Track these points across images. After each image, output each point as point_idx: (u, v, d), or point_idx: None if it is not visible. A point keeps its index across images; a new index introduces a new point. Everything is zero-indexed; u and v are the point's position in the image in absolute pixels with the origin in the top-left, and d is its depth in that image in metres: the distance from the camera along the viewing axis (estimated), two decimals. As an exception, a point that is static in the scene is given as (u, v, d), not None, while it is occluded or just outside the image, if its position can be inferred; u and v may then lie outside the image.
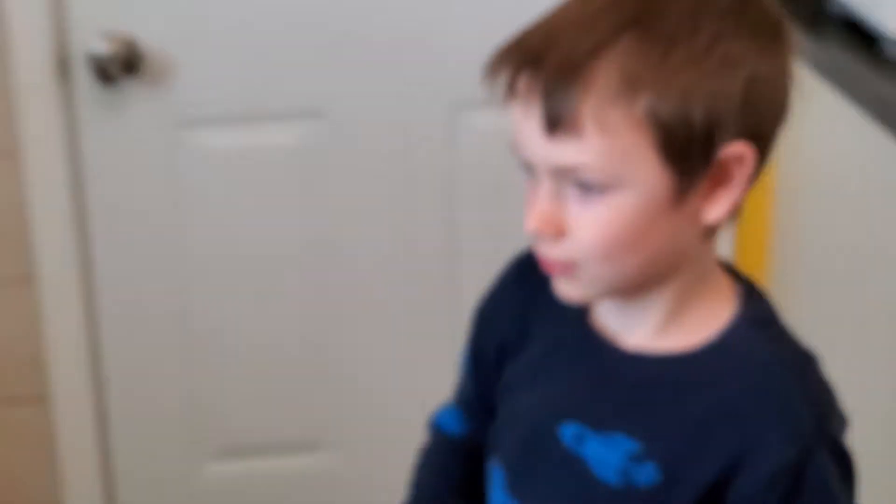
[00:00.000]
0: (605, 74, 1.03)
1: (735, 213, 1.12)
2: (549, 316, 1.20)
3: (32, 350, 2.29)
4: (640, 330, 1.16)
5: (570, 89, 1.03)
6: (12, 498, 2.38)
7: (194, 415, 2.37)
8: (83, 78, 2.14)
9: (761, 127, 1.09)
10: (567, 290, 1.13)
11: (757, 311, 1.15)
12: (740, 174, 1.08)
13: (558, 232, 1.09)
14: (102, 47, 2.11)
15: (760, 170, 1.11)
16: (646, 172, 1.06)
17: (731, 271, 1.19)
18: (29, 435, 2.35)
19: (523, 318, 1.23)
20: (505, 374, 1.25)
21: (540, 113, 1.05)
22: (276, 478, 2.43)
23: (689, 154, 1.06)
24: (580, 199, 1.07)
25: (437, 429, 1.38)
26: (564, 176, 1.07)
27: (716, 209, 1.09)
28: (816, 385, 1.13)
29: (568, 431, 1.17)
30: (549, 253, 1.10)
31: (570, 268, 1.10)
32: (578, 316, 1.18)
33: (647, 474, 1.12)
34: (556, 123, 1.05)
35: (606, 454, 1.14)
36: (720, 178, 1.08)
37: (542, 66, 1.04)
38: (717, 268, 1.17)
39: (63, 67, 2.14)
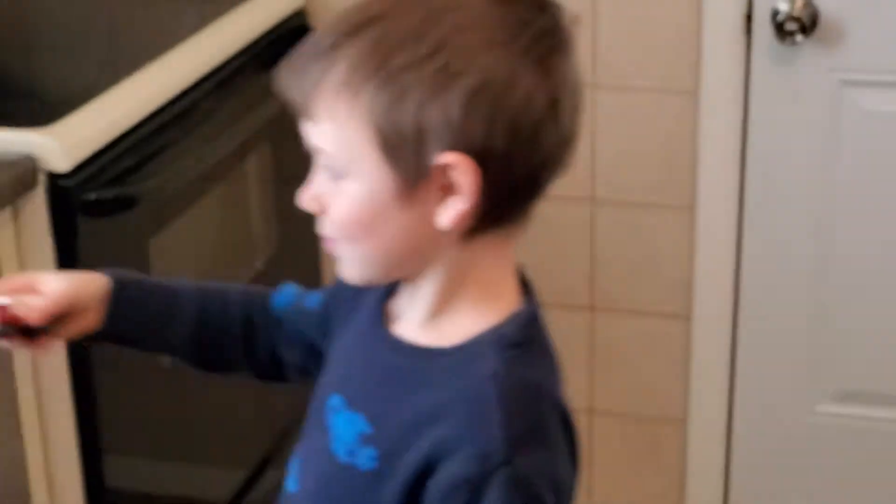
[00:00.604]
0: (337, 67, 1.07)
1: (499, 222, 1.11)
2: (367, 294, 1.22)
3: (684, 272, 2.57)
4: (410, 320, 1.17)
5: (310, 76, 1.08)
6: (646, 400, 2.69)
7: (817, 352, 2.53)
8: (764, 33, 2.38)
9: (488, 140, 1.06)
10: (340, 268, 1.16)
11: (510, 332, 1.13)
12: (465, 184, 1.07)
13: (321, 209, 1.13)
14: (785, 6, 2.34)
15: (512, 184, 1.09)
16: (369, 166, 1.08)
17: (527, 290, 1.18)
18: (670, 349, 2.63)
19: (356, 297, 1.24)
20: (332, 336, 1.28)
21: (294, 96, 1.11)
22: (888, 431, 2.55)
23: (403, 156, 1.07)
24: (331, 180, 1.11)
25: (269, 295, 1.37)
26: (319, 157, 1.12)
27: (445, 215, 1.09)
28: (526, 419, 1.10)
29: (331, 402, 1.19)
30: (320, 229, 1.15)
31: (332, 245, 1.14)
32: (378, 300, 1.21)
33: (367, 458, 1.14)
34: (301, 106, 1.11)
35: (345, 431, 1.16)
36: (446, 186, 1.08)
37: (299, 52, 1.11)
38: (499, 275, 1.16)
39: (748, 22, 2.39)
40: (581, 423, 2.65)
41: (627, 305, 2.61)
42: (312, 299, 1.33)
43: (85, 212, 1.89)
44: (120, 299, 1.32)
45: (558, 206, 2.56)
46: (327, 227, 1.13)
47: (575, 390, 2.64)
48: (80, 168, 1.87)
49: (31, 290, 1.30)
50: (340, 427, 1.17)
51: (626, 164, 2.52)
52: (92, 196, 1.89)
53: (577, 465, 1.16)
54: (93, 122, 1.94)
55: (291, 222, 2.63)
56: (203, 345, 1.34)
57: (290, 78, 1.11)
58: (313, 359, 1.30)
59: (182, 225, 2.19)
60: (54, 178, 1.85)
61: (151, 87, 2.07)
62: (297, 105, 1.11)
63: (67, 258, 1.88)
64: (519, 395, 1.11)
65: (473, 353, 1.12)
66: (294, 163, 2.61)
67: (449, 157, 1.06)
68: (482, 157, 1.07)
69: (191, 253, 2.25)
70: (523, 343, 1.14)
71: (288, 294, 1.35)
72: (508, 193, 1.10)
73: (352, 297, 1.24)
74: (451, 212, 1.08)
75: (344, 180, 1.10)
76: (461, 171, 1.07)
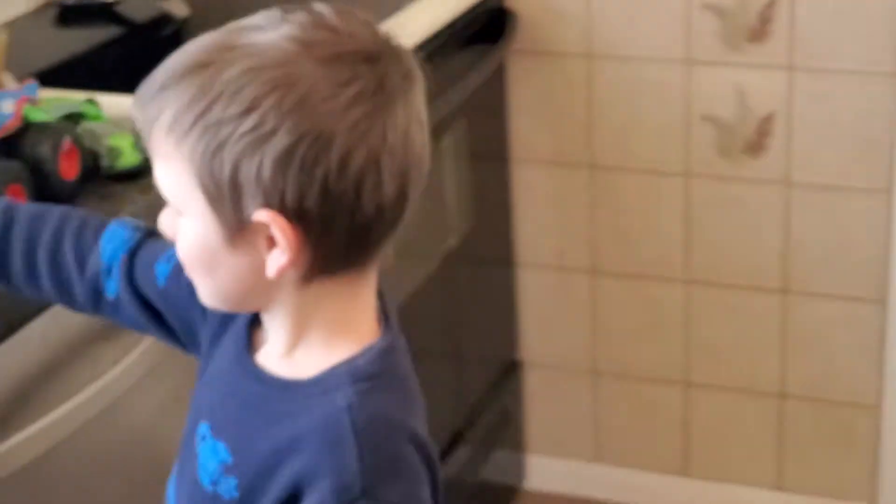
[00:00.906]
0: (165, 111, 1.07)
1: (334, 269, 1.10)
2: (236, 320, 1.21)
3: (880, 256, 2.53)
4: (270, 351, 1.16)
5: (146, 113, 1.09)
6: (839, 385, 2.66)
7: None
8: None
9: (302, 201, 1.05)
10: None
11: (364, 364, 1.12)
12: (282, 241, 1.06)
13: (172, 236, 1.14)
14: None
15: (338, 239, 1.08)
16: (198, 210, 1.08)
17: (386, 319, 1.17)
18: (864, 333, 2.60)
19: (228, 318, 1.22)
20: (203, 358, 1.25)
21: (140, 125, 1.11)
22: None
23: (223, 207, 1.07)
24: (172, 210, 1.12)
25: (105, 224, 1.33)
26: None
27: (270, 266, 1.08)
28: (381, 449, 1.09)
29: (200, 430, 1.18)
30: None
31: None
32: (244, 329, 1.19)
33: (229, 488, 1.13)
34: (142, 139, 1.11)
35: (209, 459, 1.16)
36: (268, 238, 1.07)
37: (145, 83, 1.10)
38: (352, 317, 1.14)
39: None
40: (771, 407, 2.66)
41: (821, 289, 2.59)
42: (161, 269, 1.28)
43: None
44: None
45: (752, 188, 2.56)
46: (179, 254, 1.14)
47: (766, 374, 2.66)
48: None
49: None
50: (205, 455, 1.16)
51: (822, 146, 2.50)
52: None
53: (439, 498, 1.15)
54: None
55: (486, 201, 2.66)
56: (7, 277, 1.33)
57: (136, 110, 1.11)
58: (142, 309, 1.29)
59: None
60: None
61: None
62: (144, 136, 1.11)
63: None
64: (374, 427, 1.10)
65: (328, 385, 1.11)
66: (489, 141, 2.66)
67: (263, 216, 1.06)
68: (298, 217, 1.06)
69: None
70: (376, 375, 1.12)
71: (121, 238, 1.31)
72: (334, 248, 1.09)
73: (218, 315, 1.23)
74: (273, 264, 1.08)
75: (182, 217, 1.11)
76: (276, 229, 1.06)
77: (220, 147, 1.04)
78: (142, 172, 1.67)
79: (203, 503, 1.15)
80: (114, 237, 1.31)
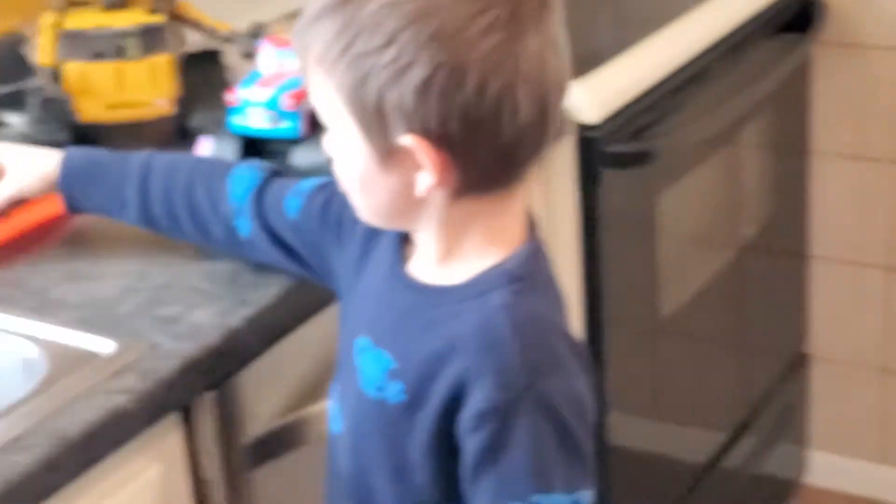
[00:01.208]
0: (316, 43, 1.13)
1: (480, 187, 1.14)
2: (383, 237, 1.26)
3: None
4: (422, 262, 1.21)
5: (300, 44, 1.15)
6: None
7: None
8: None
9: (444, 127, 1.09)
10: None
11: (516, 266, 1.17)
12: (427, 164, 1.11)
13: (332, 157, 1.19)
14: None
15: (481, 160, 1.12)
16: (350, 133, 1.14)
17: (531, 227, 1.21)
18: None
19: (371, 230, 1.27)
20: (348, 281, 1.30)
21: (297, 52, 1.17)
22: None
23: (372, 132, 1.12)
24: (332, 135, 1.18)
25: (231, 167, 1.44)
26: None
27: (418, 187, 1.14)
28: (539, 346, 1.14)
29: (359, 344, 1.23)
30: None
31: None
32: (396, 244, 1.24)
33: (396, 392, 1.19)
34: (303, 64, 1.16)
35: (372, 368, 1.21)
36: (415, 160, 1.12)
37: (302, 15, 1.15)
38: (503, 226, 1.18)
39: None
40: None
41: None
42: (291, 203, 1.37)
43: (607, 163, 1.98)
44: (68, 191, 1.49)
45: None
46: (337, 174, 1.21)
47: None
48: (606, 121, 1.96)
49: None
50: (367, 365, 1.22)
51: None
52: (615, 148, 1.98)
53: (592, 394, 1.19)
54: (620, 78, 2.03)
55: (784, 192, 2.65)
56: (152, 223, 1.47)
57: (294, 38, 1.17)
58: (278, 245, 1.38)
59: (686, 185, 2.26)
60: (583, 129, 1.95)
61: (671, 47, 2.15)
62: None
63: (589, 206, 1.98)
64: (531, 324, 1.15)
65: (482, 288, 1.16)
66: (790, 132, 2.65)
67: (408, 140, 1.11)
68: (441, 141, 1.11)
69: (689, 213, 2.31)
70: (527, 276, 1.17)
71: (248, 179, 1.42)
72: (479, 170, 1.14)
73: (360, 238, 1.29)
74: (421, 185, 1.13)
75: (338, 139, 1.17)
76: (421, 152, 1.11)
77: (365, 78, 1.10)
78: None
79: (369, 410, 1.21)
80: (240, 179, 1.42)
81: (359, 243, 1.30)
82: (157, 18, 1.76)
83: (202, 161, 1.48)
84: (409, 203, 1.16)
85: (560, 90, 1.15)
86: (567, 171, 1.97)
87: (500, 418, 1.12)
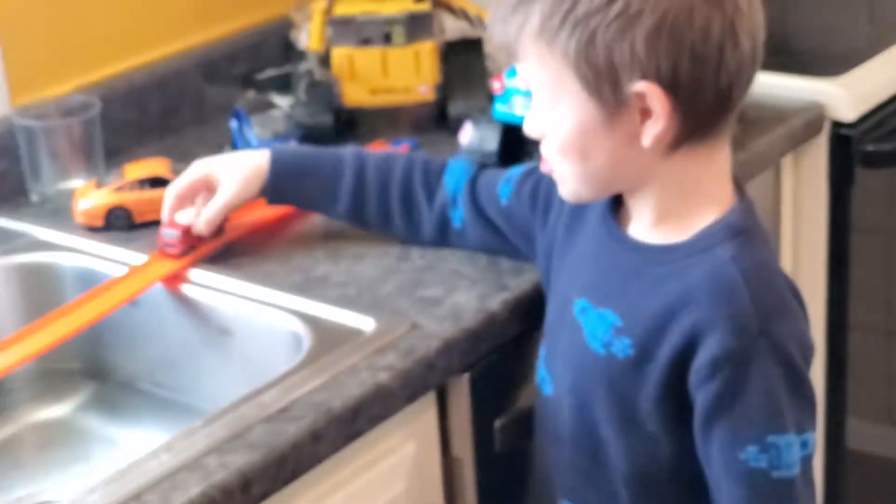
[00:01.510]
0: (533, 16, 1.19)
1: (698, 135, 1.20)
2: (589, 211, 1.32)
3: None
4: (640, 223, 1.27)
5: (510, 24, 1.21)
6: None
7: None
8: None
9: (674, 70, 1.16)
10: (559, 188, 1.28)
11: (736, 220, 1.23)
12: (658, 109, 1.17)
13: (540, 135, 1.25)
14: None
15: (704, 104, 1.18)
16: (574, 97, 1.19)
17: (736, 182, 1.27)
18: None
19: (578, 205, 1.32)
20: (556, 257, 1.36)
21: (501, 40, 1.23)
22: None
23: (600, 89, 1.18)
24: (546, 109, 1.23)
25: (445, 164, 1.51)
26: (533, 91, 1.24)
27: (647, 137, 1.19)
28: (769, 292, 1.20)
29: (578, 305, 1.29)
30: (541, 150, 1.26)
31: (551, 167, 1.26)
32: (608, 211, 1.30)
33: (624, 347, 1.24)
34: (510, 48, 1.23)
35: (597, 326, 1.27)
36: (643, 111, 1.18)
37: (501, 4, 1.22)
38: (712, 177, 1.25)
39: None
40: None
41: None
42: (503, 189, 1.45)
43: (861, 162, 1.95)
44: (276, 188, 1.52)
45: None
46: (546, 150, 1.25)
47: None
48: (862, 119, 1.93)
49: (207, 189, 1.52)
50: (592, 324, 1.27)
51: None
52: (869, 147, 1.94)
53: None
54: (877, 76, 1.99)
55: None
56: (360, 217, 1.53)
57: (495, 25, 1.23)
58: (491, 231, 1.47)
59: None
60: (837, 127, 1.92)
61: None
62: (506, 49, 1.23)
63: (840, 205, 1.96)
64: (758, 273, 1.21)
65: (707, 242, 1.22)
66: None
67: (639, 87, 1.17)
68: (670, 85, 1.17)
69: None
70: (749, 229, 1.24)
71: (461, 171, 1.50)
72: (701, 112, 1.20)
73: (565, 209, 1.36)
74: (650, 134, 1.19)
75: (556, 110, 1.21)
76: (653, 98, 1.17)
77: (593, 36, 1.16)
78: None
79: (595, 366, 1.27)
80: (454, 171, 1.50)
81: (565, 220, 1.36)
82: (423, 6, 1.80)
83: (415, 157, 1.53)
84: (627, 161, 1.22)
85: (762, 28, 1.22)
86: (820, 170, 1.94)
87: (735, 364, 1.18)
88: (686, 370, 1.21)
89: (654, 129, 1.18)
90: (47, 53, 1.81)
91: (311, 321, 1.41)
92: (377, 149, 1.77)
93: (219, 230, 1.53)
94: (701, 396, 1.20)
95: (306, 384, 1.29)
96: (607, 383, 1.26)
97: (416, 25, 1.79)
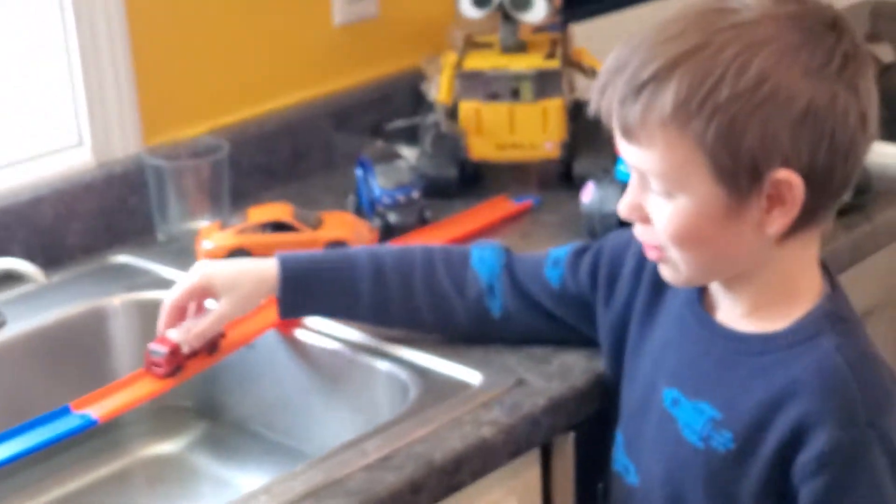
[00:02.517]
0: (662, 101, 1.13)
1: (812, 222, 1.18)
2: (675, 290, 1.28)
3: None
4: (733, 310, 1.24)
5: (632, 106, 1.14)
6: None
7: None
8: None
9: (814, 158, 1.13)
10: (665, 272, 1.24)
11: (834, 308, 1.21)
12: (791, 198, 1.14)
13: (642, 219, 1.21)
14: None
15: (829, 191, 1.16)
16: (700, 186, 1.15)
17: (825, 269, 1.24)
18: None
19: (657, 286, 1.29)
20: (631, 340, 1.32)
21: (615, 120, 1.17)
22: None
23: (735, 178, 1.14)
24: (658, 195, 1.18)
25: (467, 252, 1.44)
26: (641, 175, 1.19)
27: (774, 225, 1.16)
28: (876, 383, 1.18)
29: (668, 395, 1.25)
30: (639, 235, 1.23)
31: (659, 251, 1.21)
32: (694, 297, 1.26)
33: (724, 440, 1.21)
34: (623, 132, 1.17)
35: (693, 419, 1.23)
36: (774, 199, 1.15)
37: (617, 82, 1.16)
38: (808, 265, 1.22)
39: None
40: None
41: None
42: (551, 273, 1.40)
43: None
44: (289, 303, 1.43)
45: None
46: (652, 236, 1.21)
47: None
48: None
49: (205, 296, 1.43)
50: (688, 416, 1.24)
51: None
52: None
53: None
54: None
55: None
56: (385, 317, 1.45)
57: (602, 101, 1.18)
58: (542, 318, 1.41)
59: None
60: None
61: None
62: (616, 127, 1.18)
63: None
64: (864, 363, 1.19)
65: (809, 332, 1.19)
66: None
67: (780, 175, 1.14)
68: (807, 172, 1.14)
69: None
70: (848, 317, 1.22)
71: (492, 259, 1.44)
72: (826, 199, 1.18)
73: (642, 288, 1.32)
74: (778, 222, 1.16)
75: (675, 197, 1.17)
76: (789, 186, 1.14)
77: (734, 122, 1.12)
78: (849, 209, 1.69)
79: (693, 459, 1.23)
80: (483, 260, 1.43)
81: (644, 297, 1.32)
82: (552, 63, 1.80)
83: (433, 248, 1.46)
84: (744, 249, 1.19)
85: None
86: None
87: (844, 458, 1.15)
88: (790, 464, 1.17)
89: (785, 217, 1.16)
90: (181, 95, 1.85)
91: (418, 372, 1.41)
92: (499, 205, 1.78)
93: (212, 346, 1.45)
94: (806, 491, 1.17)
95: (409, 434, 1.29)
96: (706, 478, 1.22)
97: (545, 82, 1.79)
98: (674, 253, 1.20)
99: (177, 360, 1.42)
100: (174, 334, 1.42)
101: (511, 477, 1.35)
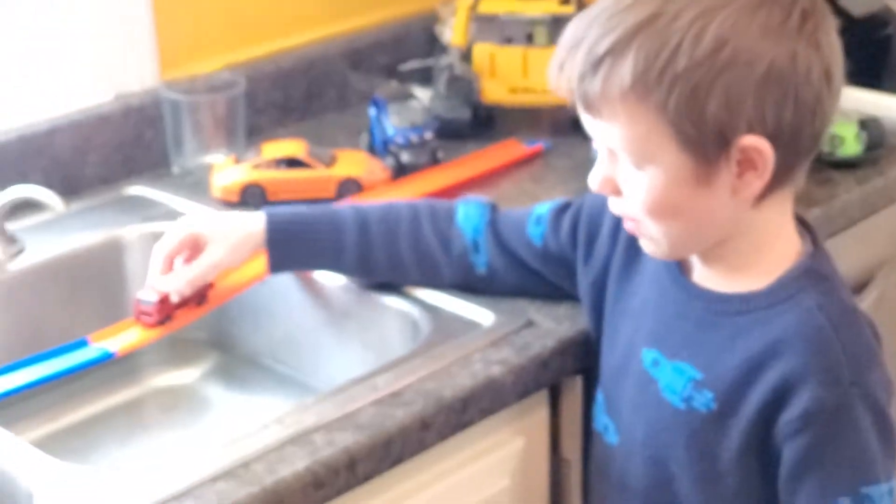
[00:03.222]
0: (621, 73, 1.11)
1: (786, 182, 1.17)
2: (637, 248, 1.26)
3: None
4: (708, 271, 1.23)
5: (592, 81, 1.13)
6: None
7: None
8: None
9: (779, 120, 1.12)
10: (645, 246, 1.23)
11: (815, 266, 1.20)
12: (762, 162, 1.13)
13: (614, 191, 1.19)
14: None
15: (799, 150, 1.15)
16: (667, 155, 1.13)
17: (806, 227, 1.24)
18: None
19: (633, 246, 1.27)
20: (609, 300, 1.32)
21: (576, 96, 1.16)
22: None
23: (702, 144, 1.12)
24: (629, 167, 1.16)
25: (453, 208, 1.45)
26: (608, 148, 1.17)
27: (747, 190, 1.15)
28: (858, 340, 1.18)
29: (648, 357, 1.25)
30: (614, 208, 1.21)
31: (636, 224, 1.20)
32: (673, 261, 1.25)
33: (705, 401, 1.21)
34: (585, 107, 1.16)
35: (674, 380, 1.23)
36: (745, 164, 1.13)
37: (575, 57, 1.14)
38: (784, 223, 1.21)
39: None
40: None
41: None
42: (533, 231, 1.40)
43: None
44: (276, 258, 1.44)
45: None
46: (627, 208, 1.20)
47: None
48: None
49: (196, 248, 1.43)
50: (668, 377, 1.24)
51: None
52: None
53: None
54: None
55: None
56: (370, 271, 1.45)
57: (562, 78, 1.17)
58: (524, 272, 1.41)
59: None
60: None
61: None
62: (577, 102, 1.17)
63: None
64: (846, 321, 1.18)
65: (789, 290, 1.19)
66: None
67: (747, 141, 1.12)
68: (774, 135, 1.13)
69: None
70: (829, 275, 1.21)
71: (477, 216, 1.43)
72: (794, 160, 1.16)
73: (618, 249, 1.32)
74: (751, 186, 1.15)
75: (644, 168, 1.15)
76: (758, 151, 1.13)
77: (695, 90, 1.10)
78: (862, 163, 1.72)
79: (674, 420, 1.23)
80: (468, 216, 1.43)
81: (621, 257, 1.32)
82: (567, 9, 1.81)
83: (419, 207, 1.46)
84: (720, 216, 1.18)
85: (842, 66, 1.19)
86: None
87: (827, 416, 1.15)
88: (772, 423, 1.18)
89: (759, 181, 1.15)
90: (198, 31, 1.86)
91: (429, 310, 1.43)
92: (510, 148, 1.79)
93: (200, 297, 1.47)
94: (789, 450, 1.17)
95: (419, 371, 1.31)
96: (687, 438, 1.23)
97: (559, 27, 1.78)
98: (651, 226, 1.19)
99: (166, 310, 1.43)
100: (163, 283, 1.43)
101: (519, 417, 1.38)
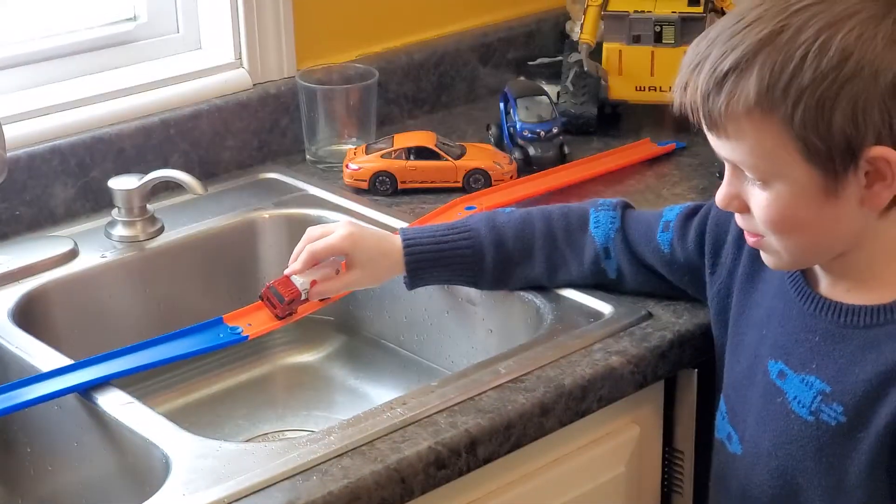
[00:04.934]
0: (745, 90, 1.11)
1: None
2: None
3: None
4: (835, 284, 1.22)
5: (716, 99, 1.13)
6: None
7: None
8: None
9: None
10: (767, 259, 1.24)
11: None
12: (891, 172, 1.12)
13: (741, 208, 1.20)
14: None
15: None
16: (793, 170, 1.14)
17: None
18: None
19: (757, 256, 1.27)
20: (735, 309, 1.32)
21: (700, 116, 1.16)
22: None
23: (830, 157, 1.12)
24: (752, 184, 1.17)
25: (586, 215, 1.46)
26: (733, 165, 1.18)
27: (875, 200, 1.15)
28: None
29: (774, 368, 1.25)
30: (739, 223, 1.23)
31: (758, 240, 1.21)
32: (796, 270, 1.25)
33: (834, 414, 1.20)
34: (709, 126, 1.17)
35: (802, 393, 1.22)
36: (873, 175, 1.13)
37: (698, 77, 1.15)
38: None
39: None
40: None
41: None
42: (662, 238, 1.41)
43: None
44: (415, 279, 1.46)
45: None
46: (752, 224, 1.20)
47: None
48: None
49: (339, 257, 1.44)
50: (796, 390, 1.23)
51: None
52: None
53: None
54: None
55: None
56: (504, 286, 1.48)
57: (685, 98, 1.18)
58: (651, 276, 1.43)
59: None
60: None
61: None
62: (702, 121, 1.17)
63: None
64: None
65: None
66: None
67: (875, 151, 1.12)
68: None
69: None
70: None
71: (607, 222, 1.45)
72: None
73: (743, 254, 1.32)
74: (881, 196, 1.15)
75: (770, 185, 1.16)
76: (886, 161, 1.12)
77: (821, 103, 1.10)
78: None
79: (802, 432, 1.23)
80: (599, 222, 1.45)
81: (745, 266, 1.32)
82: (696, 9, 1.83)
83: (553, 217, 1.47)
84: (846, 228, 1.17)
85: None
86: None
87: None
88: None
89: (887, 192, 1.14)
90: (335, 22, 1.91)
91: (554, 299, 1.46)
92: (643, 147, 1.81)
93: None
94: None
95: (541, 358, 1.35)
96: (815, 450, 1.22)
97: (688, 27, 1.82)
98: (773, 240, 1.19)
99: (291, 308, 1.46)
100: (299, 281, 1.45)
101: (635, 407, 1.41)
